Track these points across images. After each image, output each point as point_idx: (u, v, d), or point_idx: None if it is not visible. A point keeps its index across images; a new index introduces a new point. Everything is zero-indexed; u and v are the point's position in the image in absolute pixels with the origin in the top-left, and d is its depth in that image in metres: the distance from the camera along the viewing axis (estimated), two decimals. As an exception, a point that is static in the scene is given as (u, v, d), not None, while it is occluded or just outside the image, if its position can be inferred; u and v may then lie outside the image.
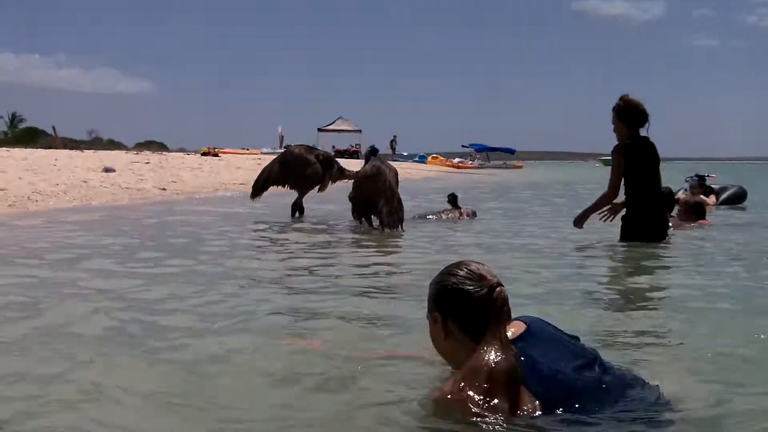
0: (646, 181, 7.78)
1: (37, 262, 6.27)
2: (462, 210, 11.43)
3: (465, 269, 2.66)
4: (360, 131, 74.30)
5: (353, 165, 42.35)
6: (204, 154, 36.51)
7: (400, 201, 9.77)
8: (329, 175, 11.19)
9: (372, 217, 9.96)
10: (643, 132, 7.80)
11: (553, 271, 6.20)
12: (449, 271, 2.69)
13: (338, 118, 75.99)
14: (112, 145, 76.35)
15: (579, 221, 8.14)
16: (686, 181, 14.58)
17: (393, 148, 69.89)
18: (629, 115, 7.75)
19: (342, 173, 11.34)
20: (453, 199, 11.66)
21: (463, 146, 75.45)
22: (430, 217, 11.21)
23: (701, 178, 14.44)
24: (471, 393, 2.39)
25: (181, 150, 53.87)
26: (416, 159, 70.60)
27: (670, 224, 8.59)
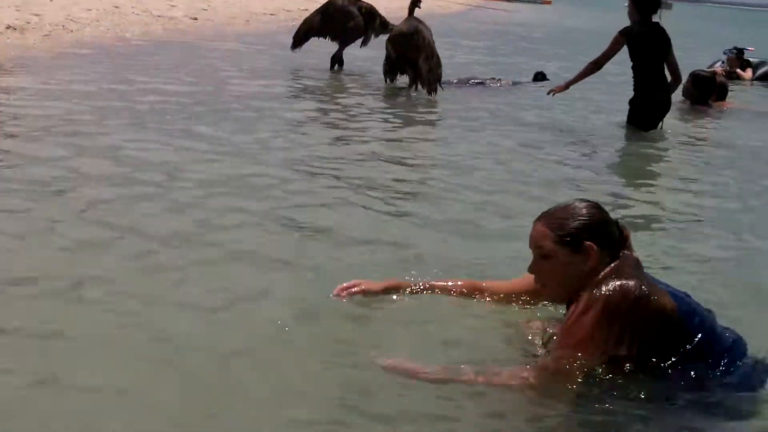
0: (646, 68, 8.06)
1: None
2: (503, 80, 11.14)
3: (589, 202, 2.92)
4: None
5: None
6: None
7: (438, 59, 9.68)
8: (372, 29, 11.08)
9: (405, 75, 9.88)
10: (655, 18, 8.18)
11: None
12: (587, 205, 2.88)
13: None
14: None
15: (555, 91, 8.58)
16: (724, 53, 14.35)
17: None
18: (640, 1, 8.06)
19: (385, 27, 11.18)
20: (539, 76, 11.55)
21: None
22: (474, 81, 10.89)
23: (740, 51, 14.18)
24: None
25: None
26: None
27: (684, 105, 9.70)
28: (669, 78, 8.30)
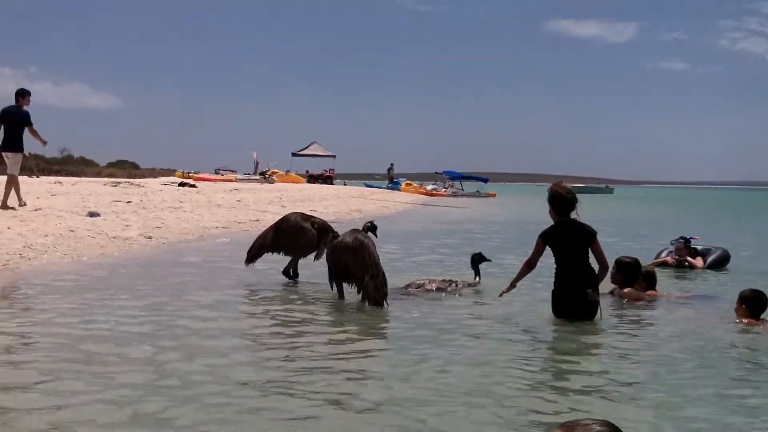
0: (563, 262, 8.96)
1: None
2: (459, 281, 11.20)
3: (609, 426, 2.91)
4: (334, 156, 74.92)
5: (327, 190, 42.19)
6: (181, 184, 36.70)
7: (384, 275, 9.78)
8: (324, 243, 11.33)
9: (343, 285, 10.01)
10: (573, 215, 9.01)
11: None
12: (612, 428, 2.90)
13: (313, 143, 76.52)
14: (84, 163, 76.25)
15: (503, 292, 9.52)
16: (672, 243, 14.93)
17: (390, 177, 70.76)
18: (555, 203, 9.05)
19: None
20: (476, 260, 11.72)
21: (437, 173, 76.10)
22: (422, 286, 10.88)
23: (687, 240, 14.80)
24: None
25: (153, 170, 53.92)
26: (390, 185, 71.12)
27: (616, 294, 10.36)
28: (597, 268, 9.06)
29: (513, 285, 9.41)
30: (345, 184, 68.34)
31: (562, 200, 9.00)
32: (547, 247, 9.08)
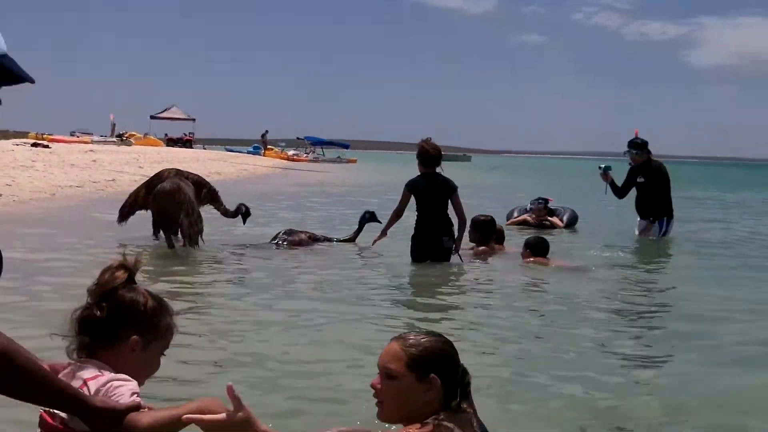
0: (424, 210, 9.87)
1: None
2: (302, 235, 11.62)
3: (444, 338, 3.07)
4: (194, 120, 73.45)
5: (186, 153, 41.01)
6: (34, 144, 35.36)
7: (199, 215, 10.59)
8: (199, 199, 11.12)
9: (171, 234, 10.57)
10: (438, 169, 9.94)
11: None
12: (444, 341, 3.03)
13: (172, 106, 74.71)
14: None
15: (375, 240, 10.60)
16: (531, 203, 15.46)
17: (264, 141, 69.52)
18: (422, 156, 9.96)
19: (214, 196, 11.67)
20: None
21: (298, 138, 75.77)
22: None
23: (545, 201, 15.38)
24: None
25: (6, 132, 51.60)
26: (251, 150, 70.47)
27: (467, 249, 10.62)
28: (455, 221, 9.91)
29: (383, 233, 10.42)
30: (204, 148, 67.20)
31: (427, 155, 9.90)
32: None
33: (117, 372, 2.59)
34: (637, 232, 13.52)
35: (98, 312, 2.64)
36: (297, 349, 5.73)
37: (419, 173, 9.98)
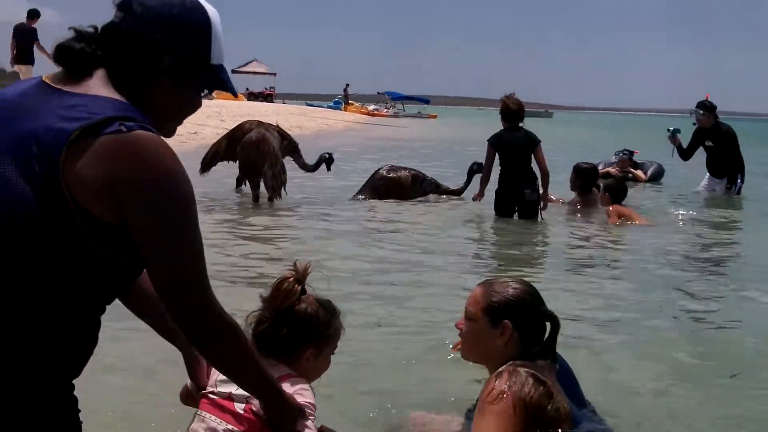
0: (507, 165, 9.84)
1: None
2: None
3: (527, 286, 3.14)
4: (275, 74, 73.84)
5: (267, 107, 41.14)
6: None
7: (283, 166, 10.58)
8: (281, 150, 11.00)
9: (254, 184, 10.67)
10: (521, 124, 9.87)
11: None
12: (526, 290, 3.11)
13: (253, 60, 75.17)
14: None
15: (477, 197, 10.38)
16: (615, 154, 15.14)
17: (346, 96, 69.71)
18: (504, 112, 9.90)
19: (294, 147, 11.62)
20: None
21: (378, 93, 75.74)
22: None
23: (630, 153, 15.02)
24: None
25: None
26: (332, 105, 70.62)
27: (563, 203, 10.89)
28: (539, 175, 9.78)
29: (481, 194, 10.29)
30: (284, 103, 67.56)
31: (509, 110, 9.84)
32: None
33: None
34: (702, 188, 13.61)
35: (275, 330, 2.71)
36: (377, 305, 5.71)
37: (502, 128, 9.96)
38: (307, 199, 11.12)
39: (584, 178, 10.83)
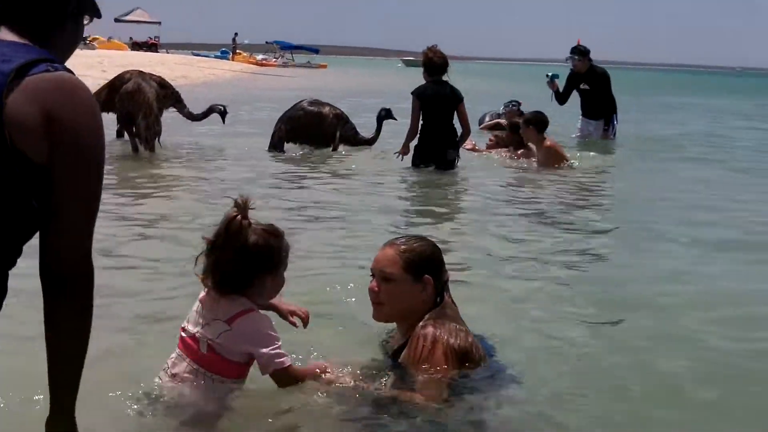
0: (429, 120, 9.52)
1: None
2: None
3: (429, 240, 3.39)
4: (159, 23, 71.88)
5: (151, 57, 40.02)
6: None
7: (157, 118, 10.41)
8: (161, 101, 10.81)
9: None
10: (445, 77, 9.61)
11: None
12: (432, 244, 3.35)
13: (136, 8, 72.87)
14: None
15: (400, 152, 9.83)
16: (505, 105, 15.26)
17: (234, 46, 68.19)
18: (427, 65, 9.61)
19: (178, 99, 11.31)
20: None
21: (267, 42, 74.73)
22: None
23: (519, 104, 15.18)
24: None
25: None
26: (218, 54, 69.33)
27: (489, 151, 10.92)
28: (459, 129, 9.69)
29: (405, 147, 9.81)
30: (168, 52, 65.93)
31: (431, 63, 9.56)
32: None
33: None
34: (578, 133, 14.01)
35: (235, 267, 2.90)
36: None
37: (425, 81, 9.68)
38: (192, 151, 10.96)
39: (537, 124, 10.59)
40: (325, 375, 3.08)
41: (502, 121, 14.65)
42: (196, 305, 3.05)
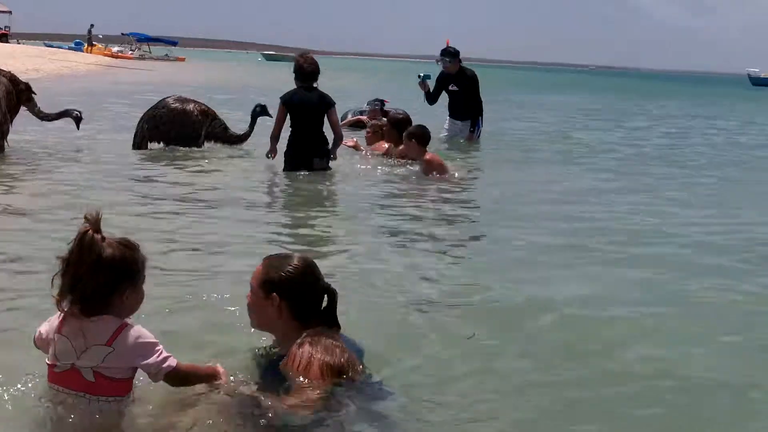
0: (298, 127, 9.50)
1: None
2: None
3: (302, 263, 3.39)
4: (10, 12, 69.03)
5: (1, 49, 38.24)
6: None
7: (5, 116, 9.81)
8: (10, 99, 10.17)
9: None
10: (315, 84, 9.55)
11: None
12: (299, 265, 3.36)
13: (-16, -4, 69.80)
14: None
15: (271, 155, 9.79)
16: (368, 104, 15.39)
17: (90, 37, 65.83)
18: (297, 72, 9.58)
19: (28, 98, 10.68)
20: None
21: (123, 34, 72.87)
22: None
23: (382, 102, 15.35)
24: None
25: None
26: (72, 46, 67.14)
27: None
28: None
29: (273, 151, 9.77)
30: (19, 43, 63.38)
31: (302, 70, 9.53)
32: None
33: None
34: (445, 132, 14.04)
35: (92, 284, 2.85)
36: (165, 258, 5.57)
37: (295, 87, 9.62)
38: (44, 151, 10.54)
39: (399, 127, 10.76)
40: (216, 380, 3.17)
41: (364, 118, 14.83)
42: (51, 335, 2.96)
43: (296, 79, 9.60)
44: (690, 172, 12.13)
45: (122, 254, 2.91)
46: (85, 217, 2.88)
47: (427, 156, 9.87)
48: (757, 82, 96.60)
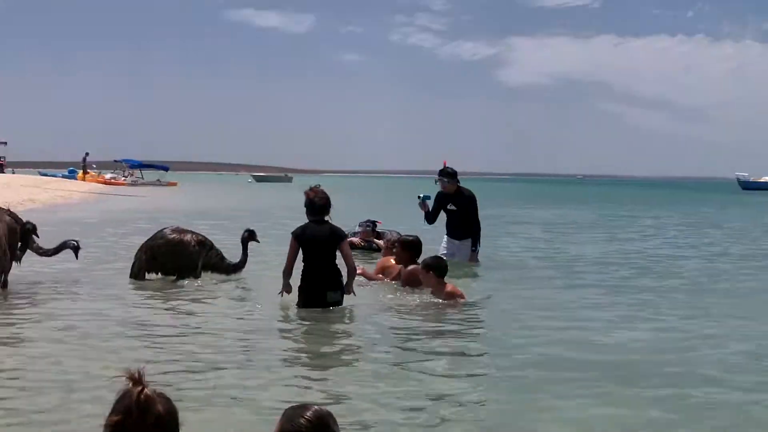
0: (310, 261, 9.33)
1: None
2: None
3: (315, 416, 3.21)
4: (5, 143, 69.94)
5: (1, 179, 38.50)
6: None
7: (5, 253, 9.78)
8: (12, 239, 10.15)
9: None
10: (327, 217, 9.48)
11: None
12: (302, 414, 3.20)
13: (-20, 129, 70.72)
14: None
15: (285, 291, 9.45)
16: (359, 225, 15.46)
17: (85, 164, 66.56)
18: (308, 206, 9.48)
19: (29, 233, 10.66)
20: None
21: (116, 161, 73.76)
22: None
23: (374, 224, 15.37)
24: None
25: None
26: (66, 174, 67.82)
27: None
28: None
29: (286, 288, 9.45)
30: (14, 173, 64.00)
31: (312, 204, 9.44)
32: None
33: None
34: (444, 251, 13.55)
35: None
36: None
37: (306, 221, 9.47)
38: (46, 283, 10.50)
39: (412, 249, 10.77)
40: None
41: (356, 240, 14.91)
42: None
43: (307, 213, 9.48)
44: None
45: (170, 405, 2.86)
46: (130, 376, 2.80)
47: (448, 288, 9.90)
48: (747, 186, 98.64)
